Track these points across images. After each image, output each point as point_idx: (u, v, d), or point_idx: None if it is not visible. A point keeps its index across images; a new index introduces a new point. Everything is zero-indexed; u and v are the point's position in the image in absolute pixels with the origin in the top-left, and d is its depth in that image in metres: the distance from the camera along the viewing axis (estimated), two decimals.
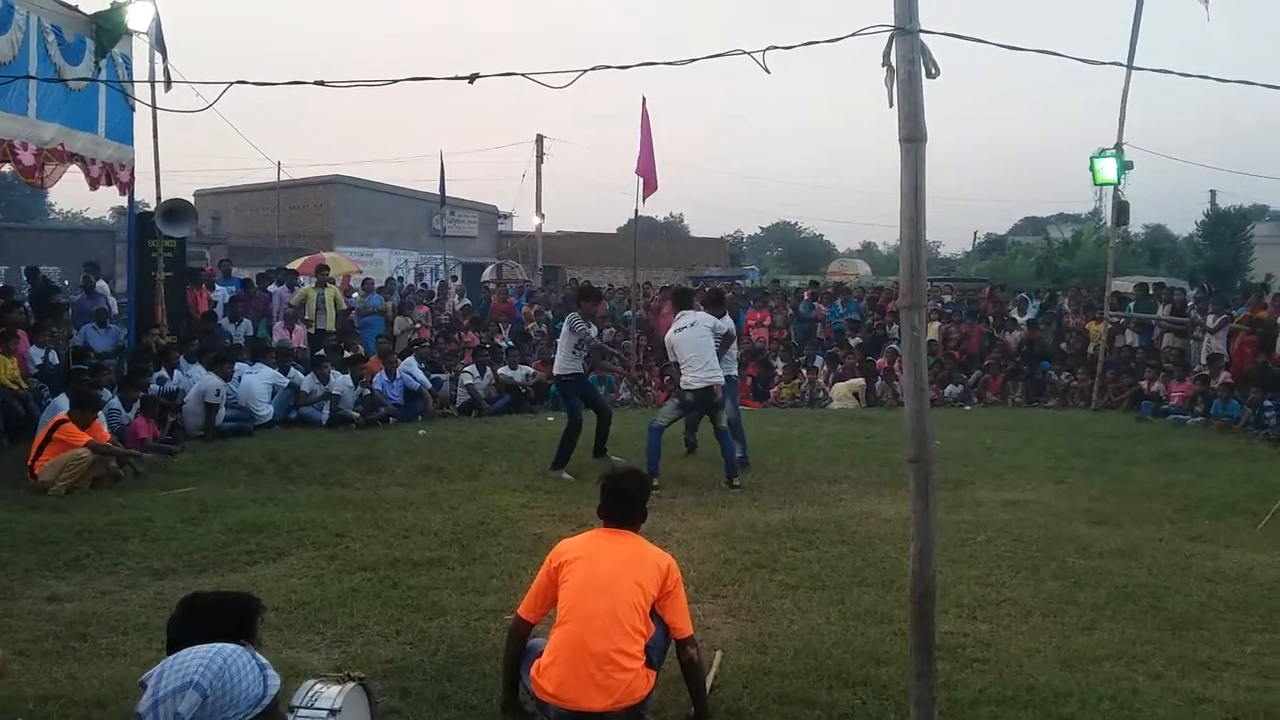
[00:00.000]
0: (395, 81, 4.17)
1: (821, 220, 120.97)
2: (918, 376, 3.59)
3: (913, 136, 3.55)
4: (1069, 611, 5.98)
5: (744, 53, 3.56)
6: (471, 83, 4.07)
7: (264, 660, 3.00)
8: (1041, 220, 61.30)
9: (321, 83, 4.22)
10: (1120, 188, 16.98)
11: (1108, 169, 16.44)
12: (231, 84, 4.58)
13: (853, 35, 3.51)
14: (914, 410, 3.59)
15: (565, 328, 10.59)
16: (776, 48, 3.57)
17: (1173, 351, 17.06)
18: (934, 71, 3.52)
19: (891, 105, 3.54)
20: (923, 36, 3.50)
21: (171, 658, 2.93)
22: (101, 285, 16.61)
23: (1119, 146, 16.34)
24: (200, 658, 2.88)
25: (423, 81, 4.15)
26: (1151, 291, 18.92)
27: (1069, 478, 10.34)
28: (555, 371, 11.05)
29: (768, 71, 3.55)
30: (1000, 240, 63.32)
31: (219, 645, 2.94)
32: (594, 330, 10.92)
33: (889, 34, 3.49)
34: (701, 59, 3.97)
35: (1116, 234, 19.49)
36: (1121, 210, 17.54)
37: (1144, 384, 16.38)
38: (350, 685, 3.57)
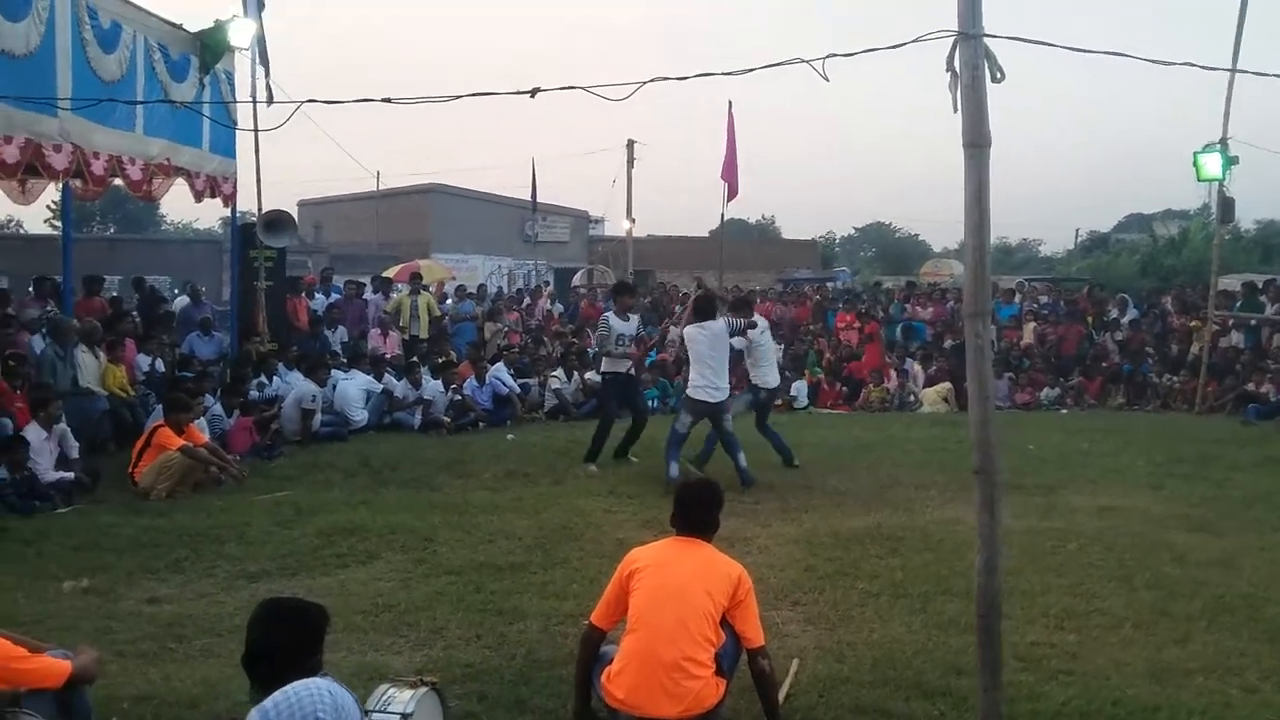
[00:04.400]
0: (459, 97, 4.28)
1: (917, 220, 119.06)
2: (982, 384, 3.53)
3: (976, 142, 3.50)
4: (1161, 622, 5.81)
5: (803, 61, 3.56)
6: (533, 97, 4.15)
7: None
8: (1147, 217, 59.31)
9: (389, 100, 4.35)
10: (1225, 183, 16.41)
11: (1212, 164, 15.89)
12: (302, 103, 4.76)
13: (915, 41, 3.48)
14: (978, 418, 3.52)
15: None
16: (836, 55, 3.57)
17: None
18: (999, 76, 3.46)
19: (956, 110, 3.50)
20: (987, 41, 3.45)
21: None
22: None
23: (1224, 141, 15.79)
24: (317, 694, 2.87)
25: (485, 96, 4.24)
26: (1260, 289, 18.20)
27: (1167, 483, 10.02)
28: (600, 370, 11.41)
29: (826, 80, 3.54)
30: (1104, 238, 61.46)
31: (324, 683, 2.94)
32: (632, 325, 10.99)
33: (953, 39, 3.44)
34: (759, 69, 3.98)
35: (1222, 231, 18.83)
36: (1226, 207, 16.95)
37: (1250, 386, 15.77)
38: (423, 690, 3.67)
